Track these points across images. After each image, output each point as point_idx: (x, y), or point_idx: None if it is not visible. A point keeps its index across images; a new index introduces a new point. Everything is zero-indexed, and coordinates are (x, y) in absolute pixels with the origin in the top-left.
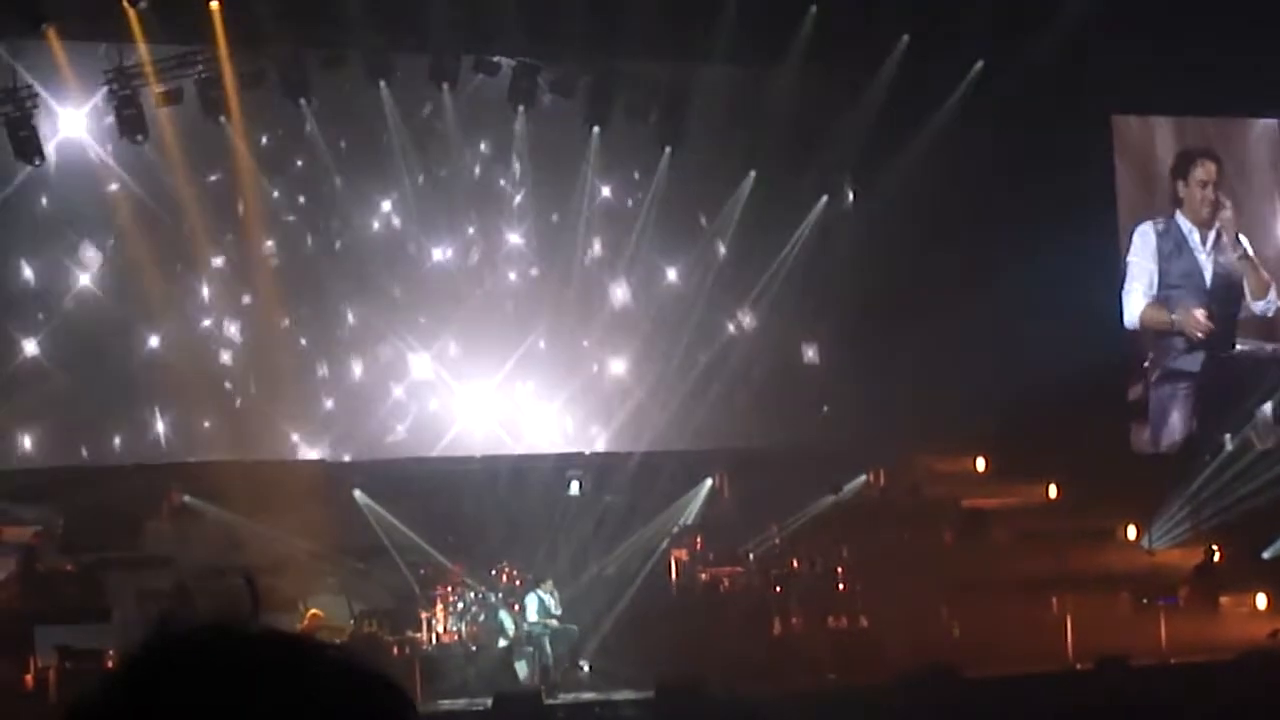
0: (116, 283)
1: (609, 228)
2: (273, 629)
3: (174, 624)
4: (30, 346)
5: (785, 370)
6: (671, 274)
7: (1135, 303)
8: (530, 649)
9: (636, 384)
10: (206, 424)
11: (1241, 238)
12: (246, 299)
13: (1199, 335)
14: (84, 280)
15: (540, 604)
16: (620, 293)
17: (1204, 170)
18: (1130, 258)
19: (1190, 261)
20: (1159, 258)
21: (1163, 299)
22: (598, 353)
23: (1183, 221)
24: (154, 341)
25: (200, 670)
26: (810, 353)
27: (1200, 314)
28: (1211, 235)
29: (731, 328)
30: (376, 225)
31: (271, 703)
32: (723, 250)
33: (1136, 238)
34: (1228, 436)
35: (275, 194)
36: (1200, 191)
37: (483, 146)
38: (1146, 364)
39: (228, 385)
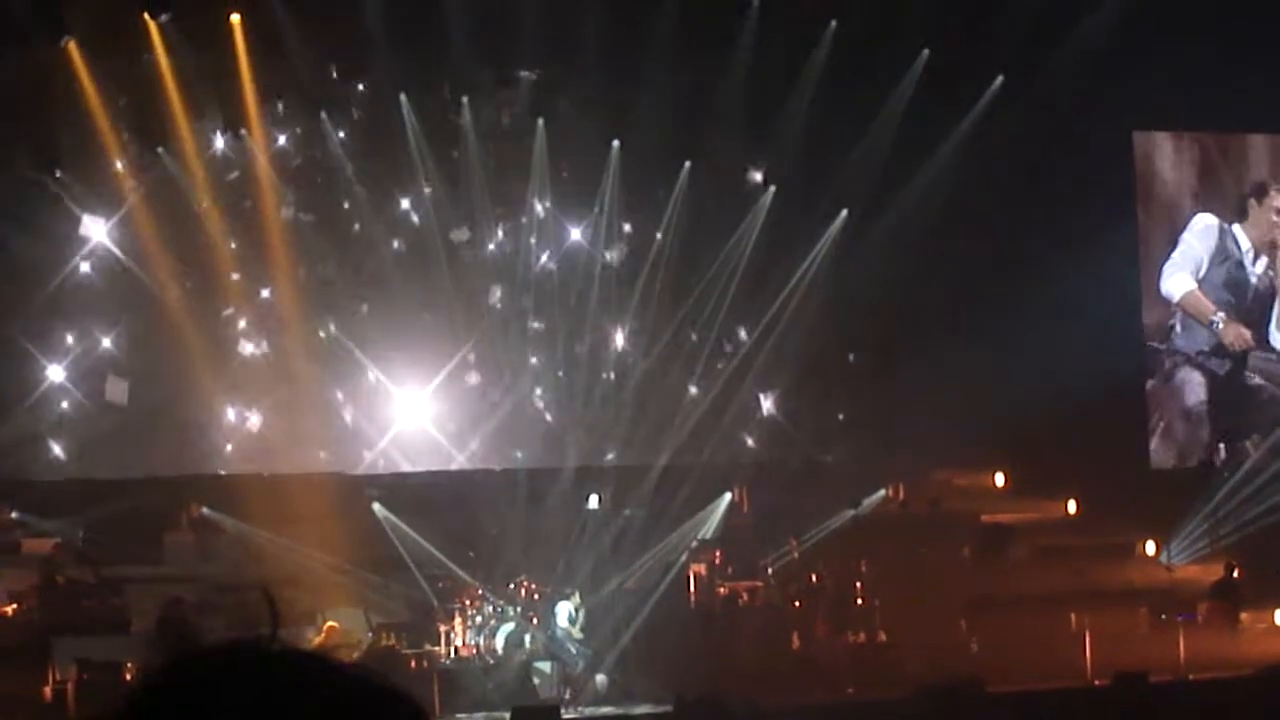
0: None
1: (628, 241)
2: (290, 647)
3: (192, 641)
4: (55, 372)
5: (802, 383)
6: (689, 287)
7: (1179, 280)
8: (548, 663)
9: (651, 398)
10: (226, 440)
11: None
12: (265, 294)
13: (1236, 348)
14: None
15: (569, 614)
16: (635, 307)
17: None
18: (1185, 236)
19: (1240, 274)
20: (1212, 254)
21: (1209, 295)
22: (614, 366)
23: (1240, 235)
24: (171, 353)
25: (217, 690)
26: (828, 367)
27: (1246, 332)
28: (1265, 258)
29: (750, 341)
30: (395, 242)
31: None
32: (741, 265)
33: (1199, 223)
34: (1230, 450)
35: (293, 200)
36: (1275, 217)
37: (504, 144)
38: (1164, 346)
39: (246, 397)
